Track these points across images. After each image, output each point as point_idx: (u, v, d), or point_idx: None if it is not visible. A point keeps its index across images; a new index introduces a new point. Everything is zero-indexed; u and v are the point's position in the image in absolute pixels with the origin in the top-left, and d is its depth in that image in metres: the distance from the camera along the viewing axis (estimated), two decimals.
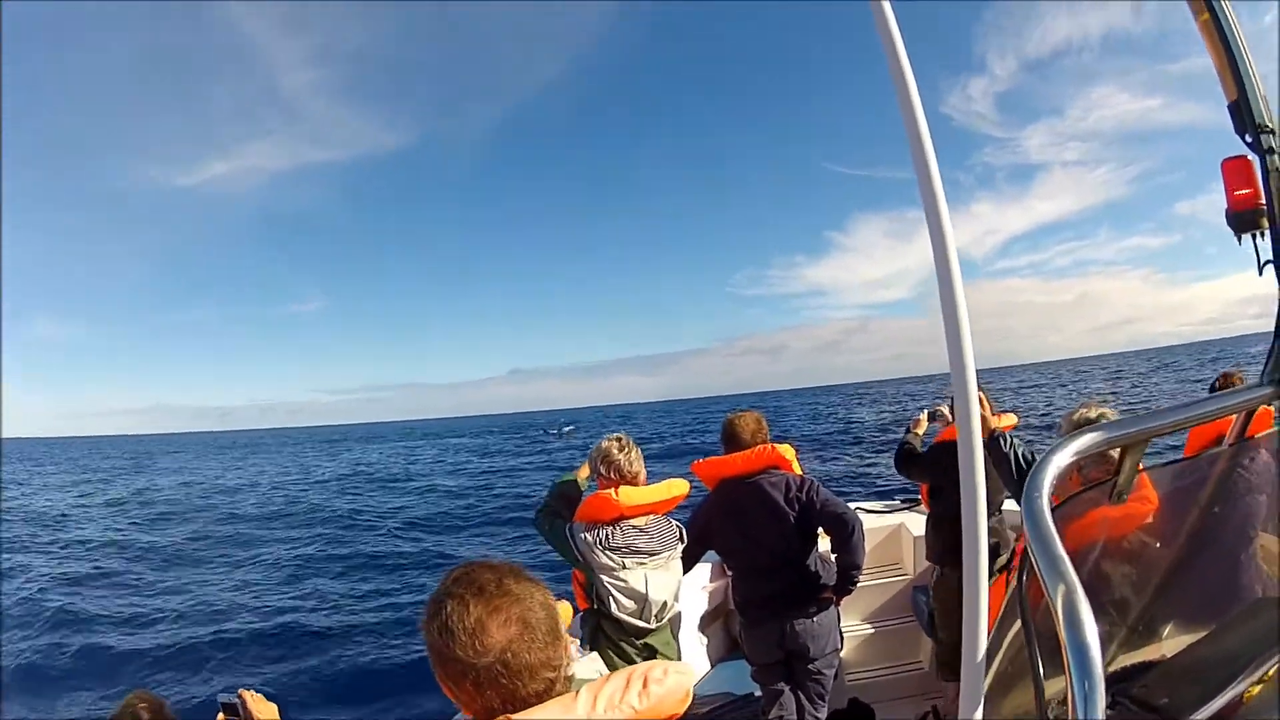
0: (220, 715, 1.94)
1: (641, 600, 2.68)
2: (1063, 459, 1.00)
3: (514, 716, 0.95)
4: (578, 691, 1.00)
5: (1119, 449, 1.11)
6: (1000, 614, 1.26)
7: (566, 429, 63.55)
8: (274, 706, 1.98)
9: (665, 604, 2.76)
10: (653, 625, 2.73)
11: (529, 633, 1.01)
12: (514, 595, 1.03)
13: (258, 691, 1.97)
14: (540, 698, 1.00)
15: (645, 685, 1.02)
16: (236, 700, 1.92)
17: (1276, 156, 1.13)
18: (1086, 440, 1.03)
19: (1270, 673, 1.27)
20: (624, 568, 2.62)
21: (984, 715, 1.28)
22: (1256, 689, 1.26)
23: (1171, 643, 1.37)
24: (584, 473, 2.87)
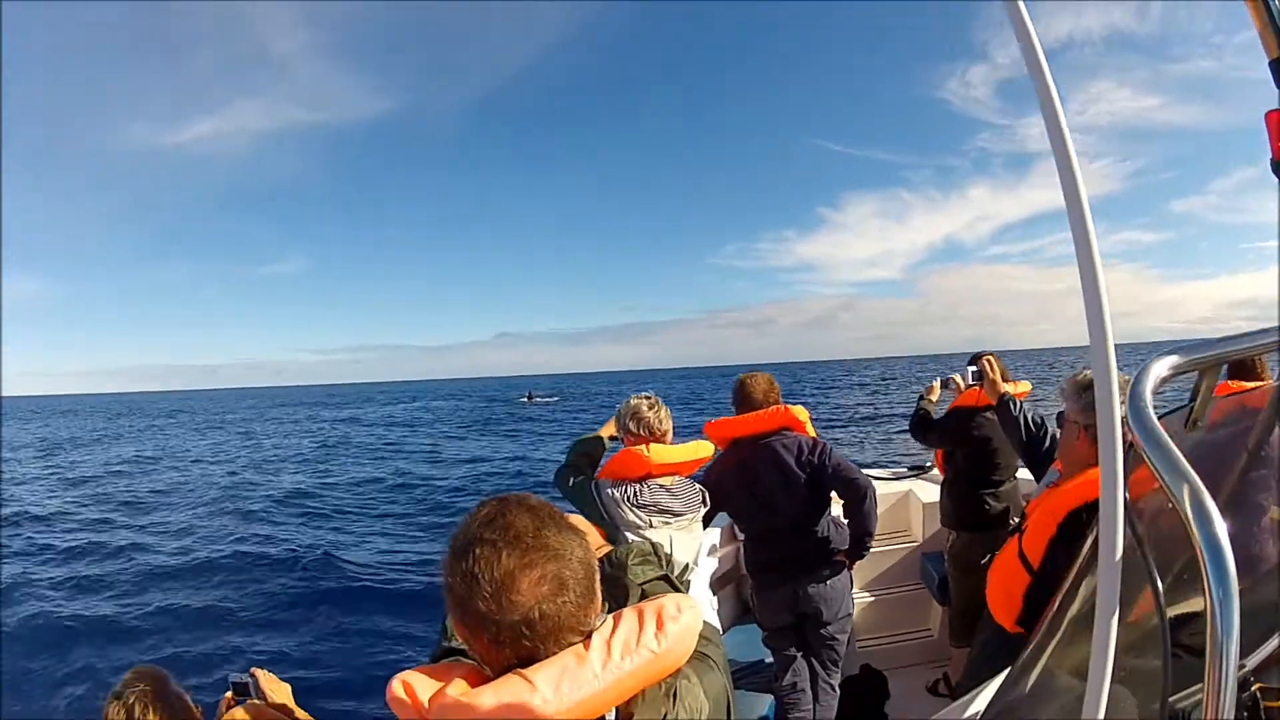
0: (228, 694, 1.89)
1: (668, 561, 2.66)
2: (1160, 370, 0.98)
3: (526, 671, 0.86)
4: (588, 639, 0.91)
5: (1198, 371, 1.11)
6: (1082, 563, 1.24)
7: (551, 398, 62.04)
8: (287, 686, 1.94)
9: (687, 565, 2.73)
10: (680, 587, 2.72)
11: (563, 593, 0.88)
12: (552, 549, 0.89)
13: (270, 670, 1.95)
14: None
15: (660, 625, 0.95)
16: (249, 679, 1.88)
17: None
18: (1175, 359, 1.03)
19: None
20: (650, 526, 2.58)
21: (1056, 663, 1.27)
22: None
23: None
24: (608, 430, 2.83)
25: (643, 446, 2.62)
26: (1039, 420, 2.85)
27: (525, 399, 61.12)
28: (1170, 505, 1.23)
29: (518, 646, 0.87)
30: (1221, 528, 0.78)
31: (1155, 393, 0.97)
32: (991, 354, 3.20)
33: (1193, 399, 1.17)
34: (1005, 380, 3.14)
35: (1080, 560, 1.25)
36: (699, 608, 1.03)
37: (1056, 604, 1.30)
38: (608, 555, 1.45)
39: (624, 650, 0.90)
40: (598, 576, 0.96)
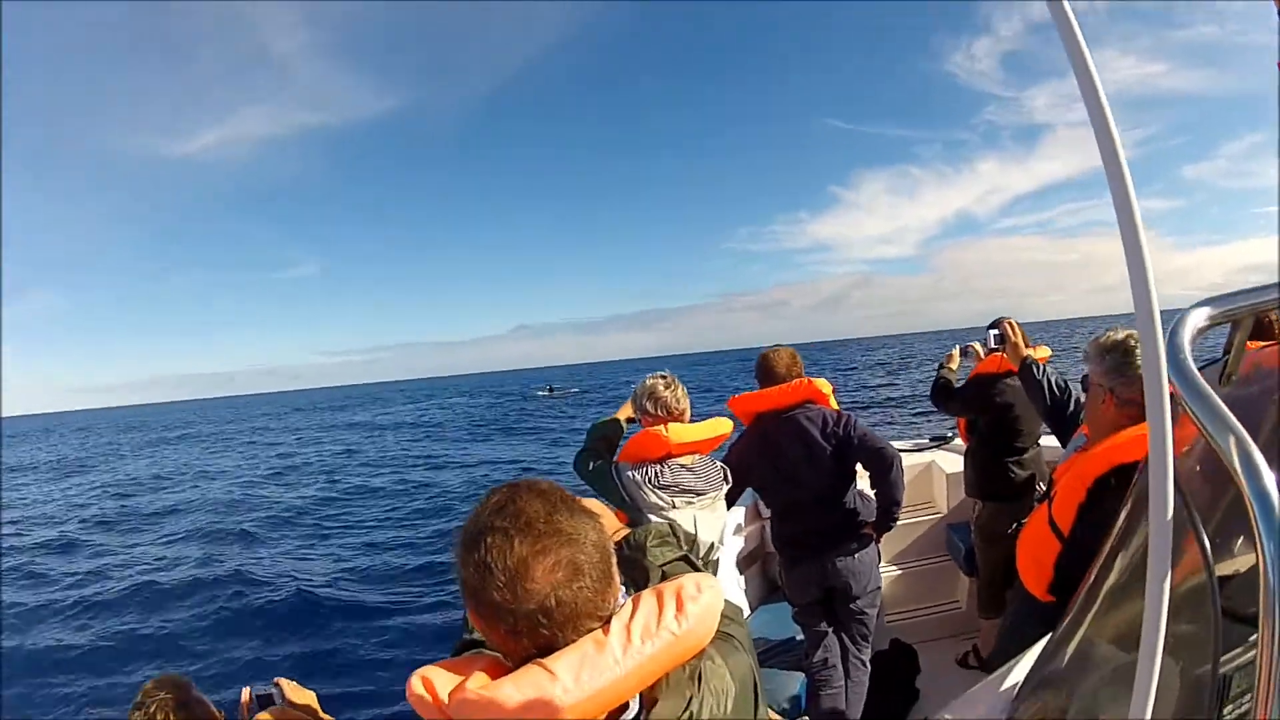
0: (246, 690, 1.90)
1: (690, 541, 2.61)
2: (1198, 319, 0.94)
3: (545, 661, 0.83)
4: (607, 624, 0.88)
5: (1230, 324, 1.06)
6: (1118, 531, 1.22)
7: (571, 390, 61.48)
8: (312, 694, 1.94)
9: (713, 545, 2.72)
10: (700, 567, 2.68)
11: (578, 578, 0.86)
12: (565, 534, 0.87)
13: (293, 680, 1.95)
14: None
15: (680, 606, 0.91)
16: (273, 689, 1.89)
17: None
18: (1211, 309, 0.98)
19: None
20: (673, 507, 2.55)
21: (1095, 633, 1.24)
22: None
23: (1244, 559, 1.27)
24: (625, 413, 2.79)
25: (661, 427, 2.58)
26: (1063, 384, 2.80)
27: (546, 392, 61.04)
28: (1199, 467, 1.20)
29: (535, 635, 0.85)
30: (1270, 478, 0.74)
31: (1193, 343, 0.92)
32: (1009, 318, 3.16)
33: (1226, 352, 1.12)
34: (1026, 345, 3.09)
35: (1116, 526, 1.23)
36: (719, 586, 0.99)
37: (1094, 573, 1.26)
38: (626, 538, 1.43)
39: (644, 634, 0.87)
40: (614, 560, 0.94)
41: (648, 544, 1.39)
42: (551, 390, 61.58)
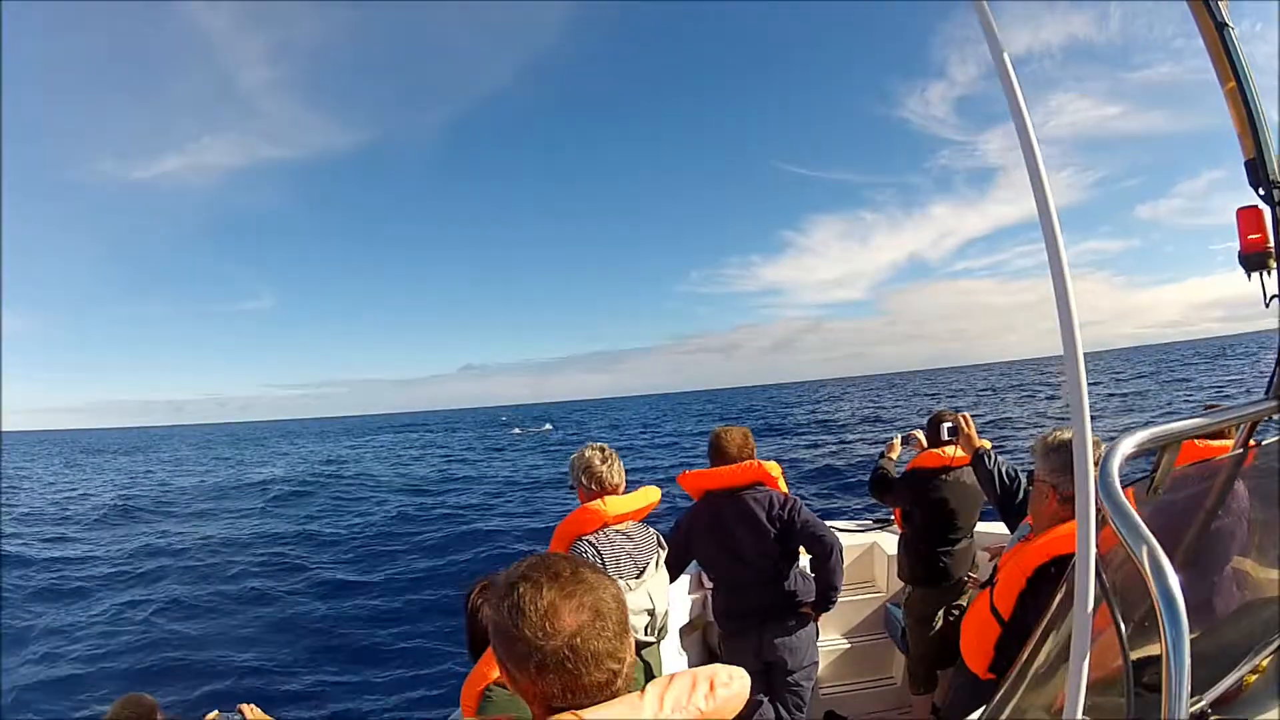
0: (211, 715, 1.93)
1: (649, 615, 2.68)
2: (1127, 448, 1.12)
3: (582, 713, 0.95)
4: (644, 690, 1.00)
5: (1160, 447, 1.25)
6: (1051, 614, 1.36)
7: (544, 428, 60.83)
8: None
9: (665, 612, 2.78)
10: (654, 639, 2.72)
11: (600, 620, 1.00)
12: (588, 583, 1.02)
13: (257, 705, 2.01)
14: (602, 689, 0.99)
15: (712, 688, 1.03)
16: (237, 716, 1.93)
17: None
18: (1142, 436, 1.17)
19: (1264, 663, 1.36)
20: (629, 589, 2.59)
21: (1027, 703, 1.37)
22: (1253, 678, 1.35)
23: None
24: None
25: (599, 501, 2.65)
26: (1012, 473, 2.96)
27: (516, 430, 60.09)
28: (1125, 567, 1.25)
29: (561, 671, 0.97)
30: (1176, 582, 0.90)
31: (1125, 461, 1.10)
32: (963, 413, 3.34)
33: (1154, 470, 1.29)
34: (976, 438, 3.24)
35: (1050, 610, 1.34)
36: (748, 679, 1.10)
37: (1027, 652, 1.39)
38: None
39: (675, 705, 0.99)
40: (629, 614, 1.07)
41: None
42: (521, 429, 60.70)
